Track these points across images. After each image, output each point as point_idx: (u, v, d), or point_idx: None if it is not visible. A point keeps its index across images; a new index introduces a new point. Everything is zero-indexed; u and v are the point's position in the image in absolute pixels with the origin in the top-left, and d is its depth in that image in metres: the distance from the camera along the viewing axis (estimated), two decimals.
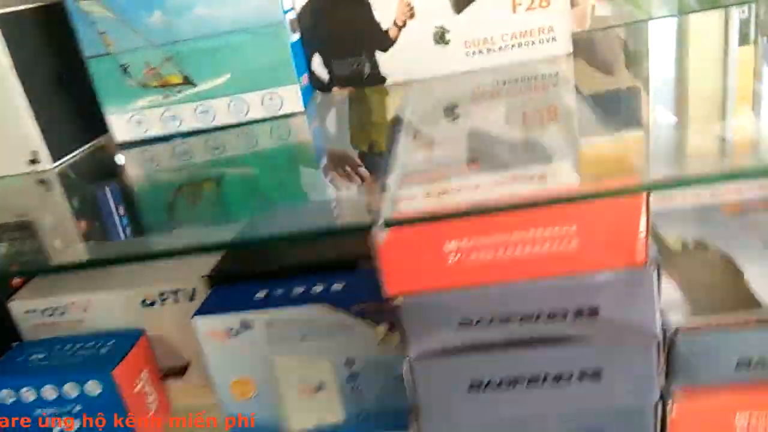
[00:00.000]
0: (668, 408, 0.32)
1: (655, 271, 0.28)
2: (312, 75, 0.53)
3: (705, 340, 0.31)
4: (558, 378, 0.31)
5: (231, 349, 0.43)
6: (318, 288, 0.42)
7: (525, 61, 0.50)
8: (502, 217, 0.27)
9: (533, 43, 0.50)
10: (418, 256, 0.29)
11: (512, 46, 0.50)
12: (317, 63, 0.52)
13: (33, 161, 0.43)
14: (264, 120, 0.49)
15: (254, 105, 0.49)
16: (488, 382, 0.31)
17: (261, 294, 0.43)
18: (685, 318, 0.32)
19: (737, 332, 0.31)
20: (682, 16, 0.56)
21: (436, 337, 0.31)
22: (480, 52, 0.50)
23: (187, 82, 0.49)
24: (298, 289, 0.43)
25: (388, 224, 0.26)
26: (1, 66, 0.43)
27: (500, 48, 0.50)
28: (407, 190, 0.29)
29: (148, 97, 0.50)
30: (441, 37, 0.49)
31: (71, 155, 0.49)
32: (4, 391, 0.46)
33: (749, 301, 0.32)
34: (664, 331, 0.31)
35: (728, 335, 0.31)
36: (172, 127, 0.50)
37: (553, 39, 0.49)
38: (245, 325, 0.42)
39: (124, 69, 0.49)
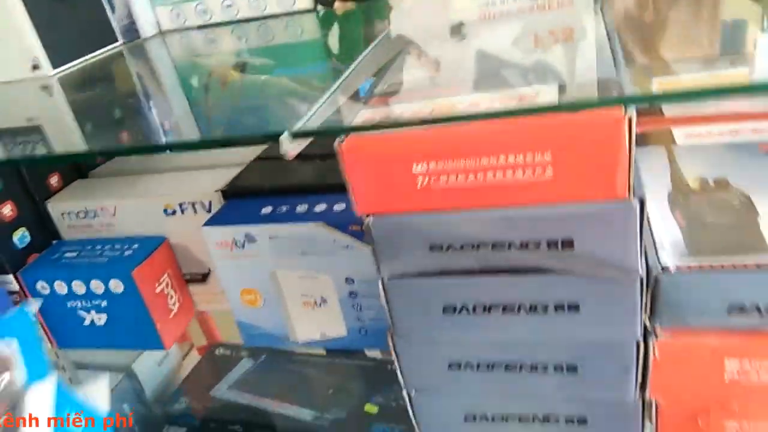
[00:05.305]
0: (651, 347, 0.31)
1: (639, 205, 0.27)
2: None
3: (694, 281, 0.29)
4: (533, 307, 0.31)
5: (238, 260, 0.45)
6: (320, 207, 0.43)
7: None
8: (473, 140, 0.26)
9: None
10: (386, 177, 0.28)
11: None
12: None
13: (35, 67, 0.44)
14: (279, 15, 0.55)
15: (271, 1, 0.54)
16: (462, 307, 0.31)
17: (266, 210, 0.44)
18: (680, 258, 0.30)
19: (730, 275, 0.29)
20: None
21: (407, 260, 0.30)
22: None
23: None
24: (302, 208, 0.43)
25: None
26: None
27: None
28: (376, 103, 0.29)
29: None
30: None
31: (73, 63, 0.50)
32: (40, 283, 0.50)
33: (758, 244, 0.30)
34: (651, 270, 0.29)
35: (720, 278, 0.29)
36: (204, 19, 0.58)
37: None
38: (249, 238, 0.44)
39: None
